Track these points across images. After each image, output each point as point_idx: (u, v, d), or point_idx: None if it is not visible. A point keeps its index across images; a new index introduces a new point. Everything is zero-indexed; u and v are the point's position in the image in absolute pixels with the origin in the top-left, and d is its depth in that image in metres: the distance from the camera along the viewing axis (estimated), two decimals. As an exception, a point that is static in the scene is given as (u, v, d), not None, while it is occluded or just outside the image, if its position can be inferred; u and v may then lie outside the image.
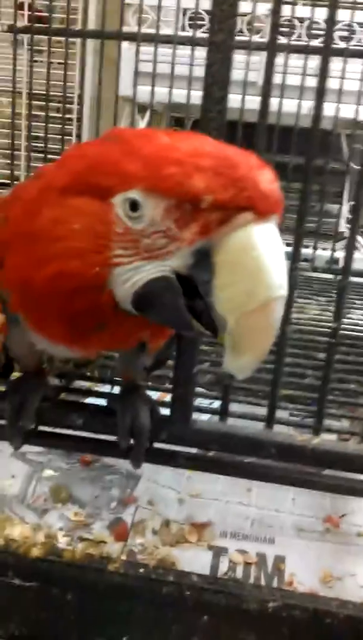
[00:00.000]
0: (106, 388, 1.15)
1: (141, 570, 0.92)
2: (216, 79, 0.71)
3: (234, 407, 0.96)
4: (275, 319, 0.60)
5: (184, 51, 1.91)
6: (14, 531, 1.18)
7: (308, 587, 1.08)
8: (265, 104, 0.78)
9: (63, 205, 0.64)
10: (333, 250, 2.16)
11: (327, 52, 0.79)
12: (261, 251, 0.57)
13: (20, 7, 2.13)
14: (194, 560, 1.18)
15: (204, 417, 1.04)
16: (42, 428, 0.90)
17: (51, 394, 0.92)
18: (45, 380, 0.95)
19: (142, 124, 2.21)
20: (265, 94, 0.78)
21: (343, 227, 2.50)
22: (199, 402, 1.06)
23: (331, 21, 0.85)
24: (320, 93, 0.77)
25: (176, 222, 0.59)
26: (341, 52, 1.75)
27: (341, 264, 2.14)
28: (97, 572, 0.92)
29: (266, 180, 0.59)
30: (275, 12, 0.75)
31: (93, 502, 1.34)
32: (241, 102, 1.85)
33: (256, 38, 1.98)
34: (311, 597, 0.89)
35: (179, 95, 1.93)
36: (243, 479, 1.36)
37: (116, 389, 1.07)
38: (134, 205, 0.60)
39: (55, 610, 0.94)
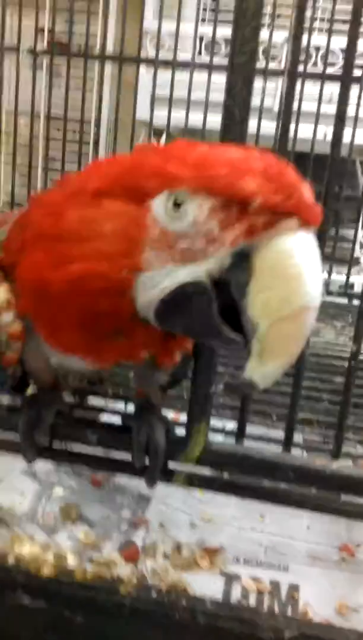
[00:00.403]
0: (119, 406, 1.15)
1: (154, 594, 0.90)
2: (237, 101, 0.72)
3: (249, 429, 0.95)
4: (307, 328, 0.60)
5: (200, 76, 1.94)
6: (24, 549, 1.17)
7: (323, 617, 1.05)
8: (285, 129, 0.79)
9: (95, 208, 0.64)
10: (348, 275, 2.16)
11: (347, 80, 0.80)
12: (302, 259, 0.58)
13: (40, 31, 2.17)
14: (206, 585, 1.15)
15: (218, 437, 1.03)
16: (56, 444, 0.90)
17: (65, 410, 0.92)
18: (60, 395, 0.95)
19: (158, 147, 2.23)
20: (285, 119, 0.79)
21: (358, 252, 2.50)
22: (213, 423, 1.05)
23: (351, 49, 0.85)
24: (340, 119, 0.78)
25: (220, 222, 0.59)
26: (358, 80, 1.77)
27: (356, 289, 2.14)
28: (108, 594, 0.90)
29: (309, 191, 0.61)
30: (296, 38, 0.76)
31: (103, 523, 1.32)
32: (256, 128, 1.88)
33: (272, 65, 2.02)
34: (328, 628, 0.87)
35: (195, 120, 1.96)
36: (256, 505, 1.35)
37: (131, 407, 1.07)
38: (177, 205, 0.61)
39: (64, 631, 0.92)
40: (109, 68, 2.11)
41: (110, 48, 2.09)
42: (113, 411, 1.08)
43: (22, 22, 1.97)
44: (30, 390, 0.97)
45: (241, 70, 0.70)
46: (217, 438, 0.91)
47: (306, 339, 0.62)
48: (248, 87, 0.71)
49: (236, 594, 1.15)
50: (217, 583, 1.18)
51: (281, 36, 2.07)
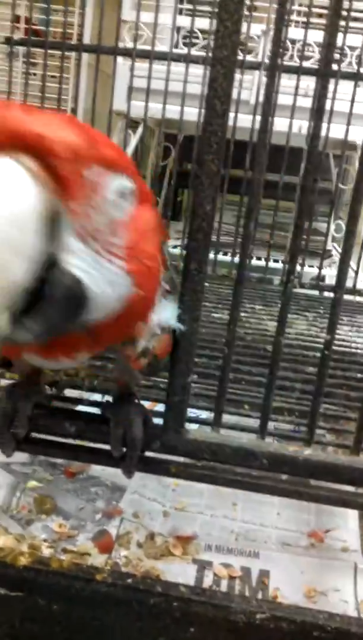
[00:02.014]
0: (97, 397, 1.15)
1: (129, 580, 0.91)
2: (219, 93, 0.73)
3: (224, 418, 0.96)
4: None
5: (178, 68, 1.94)
6: (-2, 541, 1.17)
7: (292, 601, 1.08)
8: (265, 123, 0.79)
9: None
10: (321, 267, 2.20)
11: (325, 74, 0.82)
12: None
13: (17, 20, 2.15)
14: (178, 573, 1.17)
15: (194, 426, 1.04)
16: (34, 435, 0.90)
17: (44, 402, 0.92)
18: (39, 387, 0.95)
19: (134, 138, 2.23)
20: (266, 113, 0.79)
21: (330, 245, 2.55)
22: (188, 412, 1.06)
23: (329, 45, 0.87)
24: (319, 114, 0.79)
25: None
26: (334, 74, 1.80)
27: (328, 281, 2.18)
28: (84, 582, 0.91)
29: (15, 115, 0.53)
30: (278, 32, 0.77)
31: (78, 514, 1.33)
32: (233, 120, 1.89)
33: (249, 57, 2.03)
34: (299, 610, 0.89)
35: (172, 111, 1.96)
36: (229, 493, 1.37)
37: (107, 398, 1.07)
38: None
39: (41, 620, 0.93)
40: (86, 58, 2.10)
41: (87, 38, 2.07)
42: (90, 402, 1.08)
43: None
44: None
45: (223, 63, 0.71)
46: (192, 427, 0.92)
47: None
48: (230, 80, 0.71)
49: (208, 581, 1.17)
50: (189, 571, 1.20)
51: (258, 29, 2.08)
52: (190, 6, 2.10)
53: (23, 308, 0.54)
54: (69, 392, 1.18)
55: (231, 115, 1.87)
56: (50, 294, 0.55)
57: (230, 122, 1.83)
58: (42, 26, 2.29)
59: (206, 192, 0.76)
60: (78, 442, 0.97)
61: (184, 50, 1.97)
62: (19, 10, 2.14)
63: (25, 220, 0.50)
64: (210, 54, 1.88)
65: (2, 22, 2.11)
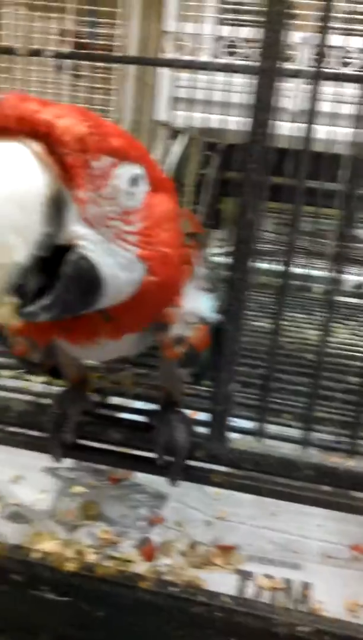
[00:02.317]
0: (140, 404, 1.16)
1: (172, 589, 0.91)
2: (262, 104, 0.73)
3: (269, 428, 0.96)
4: None
5: (220, 77, 1.95)
6: (45, 546, 1.19)
7: (334, 614, 1.06)
8: (309, 130, 0.80)
9: None
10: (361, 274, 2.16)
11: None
12: None
13: (64, 33, 2.20)
14: (220, 583, 1.17)
15: (236, 436, 1.04)
16: (81, 442, 0.92)
17: (90, 409, 0.94)
18: (85, 394, 0.97)
19: (176, 147, 2.25)
20: (309, 120, 0.80)
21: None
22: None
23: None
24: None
25: None
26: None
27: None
28: (128, 589, 0.92)
29: (28, 105, 0.55)
30: (322, 40, 0.77)
31: (121, 521, 1.34)
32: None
33: (289, 65, 2.02)
34: (342, 623, 0.88)
35: (214, 120, 1.97)
36: (270, 503, 1.36)
37: (152, 406, 1.08)
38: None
39: (85, 625, 0.94)
40: (130, 69, 2.13)
41: (132, 50, 2.10)
42: (134, 410, 1.09)
43: (46, 26, 1.99)
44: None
45: (267, 74, 0.72)
46: (234, 436, 0.92)
47: None
48: (273, 90, 0.72)
49: (249, 592, 1.17)
50: (231, 581, 1.19)
51: (297, 37, 2.07)
52: (232, 16, 2.11)
53: (36, 287, 0.57)
54: (113, 400, 1.20)
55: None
56: (63, 274, 0.58)
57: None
58: (88, 39, 2.33)
59: (250, 202, 0.76)
60: (123, 449, 0.99)
61: (226, 60, 1.98)
62: (66, 24, 2.20)
63: (27, 201, 0.53)
64: (252, 63, 1.89)
65: (50, 36, 2.16)
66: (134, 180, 0.62)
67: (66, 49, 2.11)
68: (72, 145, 0.55)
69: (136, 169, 0.63)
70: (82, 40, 2.39)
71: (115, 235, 0.62)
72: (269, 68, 0.72)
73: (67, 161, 0.55)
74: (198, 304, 0.78)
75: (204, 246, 0.89)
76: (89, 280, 0.60)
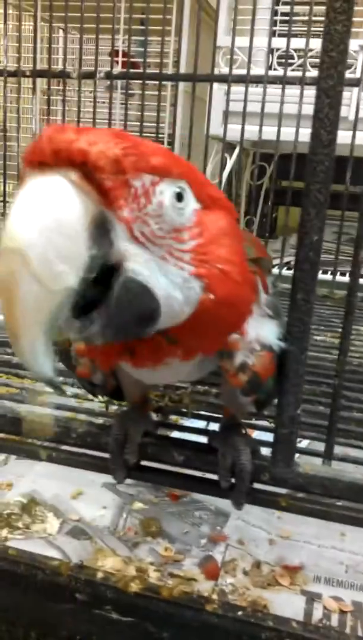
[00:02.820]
0: (201, 423, 1.16)
1: (239, 613, 0.90)
2: (325, 124, 0.72)
3: (336, 449, 0.94)
4: (9, 273, 0.54)
5: (273, 90, 1.94)
6: (107, 563, 1.20)
7: None
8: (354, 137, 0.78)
9: None
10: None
11: None
12: (26, 199, 0.55)
13: (115, 54, 2.24)
14: (286, 604, 1.14)
15: (302, 459, 1.02)
16: (143, 462, 0.92)
17: (152, 430, 0.94)
18: (147, 414, 0.98)
19: (230, 161, 2.25)
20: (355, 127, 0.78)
21: None
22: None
23: None
24: None
25: None
26: None
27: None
28: (194, 611, 0.91)
29: (64, 136, 0.57)
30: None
31: (183, 538, 1.33)
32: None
33: (347, 74, 1.99)
34: None
35: (267, 132, 1.96)
36: (337, 523, 1.33)
37: (212, 426, 1.08)
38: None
39: (152, 647, 0.94)
40: (182, 85, 2.15)
41: (183, 66, 2.12)
42: (195, 429, 1.09)
43: (98, 46, 2.03)
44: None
45: (329, 93, 0.70)
46: (300, 459, 0.90)
47: (16, 285, 0.54)
48: (336, 110, 0.71)
49: (317, 614, 1.14)
50: (298, 602, 1.16)
51: (355, 44, 2.04)
52: (285, 27, 2.09)
53: (85, 310, 0.58)
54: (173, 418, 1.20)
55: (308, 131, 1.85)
56: (111, 296, 0.59)
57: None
58: (139, 58, 2.37)
59: (313, 222, 0.75)
60: (185, 470, 0.99)
61: (280, 72, 1.97)
62: (117, 44, 2.24)
63: (69, 228, 0.54)
64: (306, 74, 1.88)
65: (101, 56, 2.20)
66: (179, 196, 0.63)
67: (118, 69, 2.15)
68: (108, 168, 0.56)
69: (179, 184, 0.63)
70: (133, 60, 2.43)
71: (168, 253, 0.62)
72: (329, 88, 0.70)
73: (104, 184, 0.57)
74: (262, 331, 0.77)
75: (269, 272, 0.87)
76: (141, 300, 0.61)
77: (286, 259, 2.17)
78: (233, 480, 0.86)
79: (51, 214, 0.54)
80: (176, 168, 0.63)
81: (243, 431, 0.91)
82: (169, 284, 0.62)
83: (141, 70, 2.05)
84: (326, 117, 0.71)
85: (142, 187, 0.59)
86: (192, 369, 0.77)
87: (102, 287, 0.59)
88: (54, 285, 0.54)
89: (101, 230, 0.57)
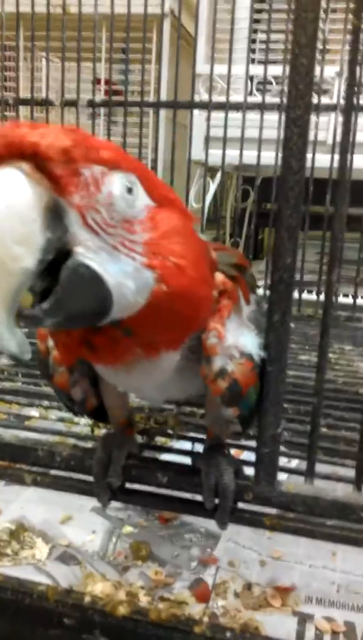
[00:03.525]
0: (186, 444, 1.16)
1: (228, 634, 0.90)
2: (294, 152, 0.75)
3: (324, 468, 0.95)
4: None
5: (252, 115, 1.99)
6: (96, 588, 1.19)
7: None
8: (343, 161, 0.81)
9: None
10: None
11: None
12: None
13: (97, 82, 2.29)
14: (278, 626, 1.14)
15: (283, 476, 1.03)
16: (128, 485, 0.93)
17: (136, 452, 0.95)
18: (132, 437, 0.98)
19: (213, 185, 2.28)
20: (343, 152, 0.81)
21: None
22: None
23: None
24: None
25: None
26: None
27: None
28: (182, 634, 0.91)
29: (17, 131, 0.61)
30: (352, 73, 0.79)
31: (173, 561, 1.33)
32: (311, 160, 1.91)
33: (324, 100, 2.04)
34: None
35: (248, 156, 2.01)
36: (328, 543, 1.33)
37: (197, 447, 1.08)
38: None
39: (141, 672, 0.93)
40: (163, 112, 2.19)
41: (164, 93, 2.17)
42: (180, 451, 1.09)
43: (80, 74, 2.08)
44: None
45: (297, 123, 0.73)
46: (282, 477, 0.90)
47: None
48: (304, 139, 0.73)
49: (310, 635, 1.13)
50: (290, 623, 1.16)
51: (332, 70, 2.10)
52: (262, 55, 2.15)
53: (39, 294, 0.62)
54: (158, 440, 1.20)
55: (309, 156, 1.90)
56: (61, 279, 0.62)
57: (308, 163, 1.84)
58: (121, 85, 2.42)
59: (286, 246, 0.77)
60: (170, 492, 1.00)
61: (258, 98, 2.02)
62: (99, 72, 2.29)
63: (23, 213, 0.58)
64: (284, 100, 1.92)
65: (84, 84, 2.25)
66: (129, 189, 0.66)
67: (100, 97, 2.19)
68: (58, 157, 0.60)
69: (129, 178, 0.66)
70: (115, 87, 2.48)
71: (120, 243, 0.65)
72: (297, 118, 0.73)
73: (55, 172, 0.60)
74: (242, 339, 0.79)
75: (252, 289, 0.89)
76: (89, 284, 0.64)
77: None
78: (217, 500, 0.87)
79: (5, 201, 0.58)
80: (125, 162, 0.66)
81: (226, 452, 0.91)
82: (120, 272, 0.65)
83: (123, 98, 2.09)
84: (295, 146, 0.74)
85: (91, 177, 0.63)
86: (171, 377, 0.79)
87: (57, 276, 0.62)
88: (11, 265, 0.58)
89: (54, 215, 0.61)
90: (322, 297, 2.15)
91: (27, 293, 0.62)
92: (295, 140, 0.72)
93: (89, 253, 0.63)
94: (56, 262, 0.62)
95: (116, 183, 0.64)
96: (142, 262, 0.66)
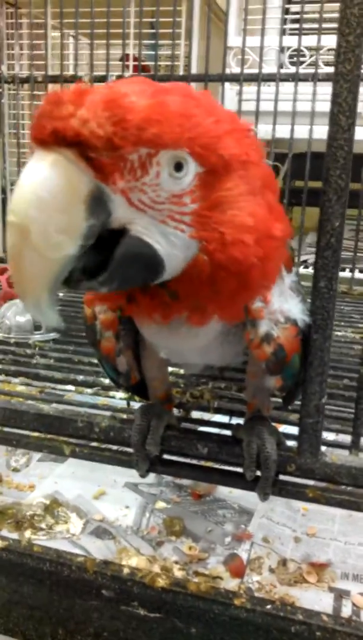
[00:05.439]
0: (223, 418, 1.15)
1: (268, 607, 0.89)
2: (343, 108, 0.72)
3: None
4: (15, 248, 0.60)
5: (285, 88, 1.94)
6: (131, 562, 1.19)
7: None
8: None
9: None
10: None
11: None
12: (26, 179, 0.59)
13: (126, 58, 2.26)
14: (314, 601, 1.13)
15: (328, 450, 1.01)
16: (166, 457, 0.92)
17: (175, 424, 0.94)
18: (169, 410, 0.97)
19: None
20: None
21: None
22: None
23: None
24: None
25: None
26: None
27: None
28: (222, 606, 0.90)
29: (60, 112, 0.59)
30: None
31: (207, 536, 1.33)
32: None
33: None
34: None
35: (281, 130, 1.96)
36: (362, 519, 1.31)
37: (235, 420, 1.07)
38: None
39: (180, 643, 0.93)
40: (194, 85, 2.15)
41: (194, 68, 2.13)
42: (217, 424, 1.08)
43: (109, 51, 2.05)
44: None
45: (347, 77, 0.70)
46: (326, 450, 0.88)
47: (18, 256, 0.60)
48: (354, 94, 0.70)
49: (346, 611, 1.12)
50: (326, 599, 1.15)
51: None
52: (296, 25, 2.10)
53: (96, 265, 0.63)
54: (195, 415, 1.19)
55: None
56: (116, 254, 0.63)
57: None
58: (150, 61, 2.38)
59: (335, 208, 0.75)
60: (208, 463, 0.99)
61: (291, 70, 1.97)
62: (128, 49, 2.26)
63: (65, 203, 0.58)
64: (319, 71, 1.88)
65: (112, 61, 2.22)
66: (178, 165, 0.63)
67: (129, 73, 2.16)
68: (101, 146, 0.59)
69: (179, 154, 0.63)
70: (144, 63, 2.44)
71: (168, 217, 0.64)
72: (347, 72, 0.70)
73: (98, 160, 0.59)
74: (287, 304, 0.77)
75: (292, 257, 0.86)
76: (143, 253, 0.64)
77: (303, 257, 2.16)
78: (258, 472, 0.85)
79: (48, 190, 0.58)
80: (174, 136, 0.62)
81: (268, 422, 0.90)
82: (169, 244, 0.65)
83: (152, 73, 2.06)
84: (344, 101, 0.71)
85: (138, 160, 0.61)
86: (214, 340, 0.78)
87: (109, 252, 0.64)
88: (52, 254, 0.59)
89: (97, 201, 0.60)
90: (357, 274, 2.13)
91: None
92: (344, 95, 0.70)
93: (139, 228, 0.64)
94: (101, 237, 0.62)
95: (163, 163, 0.62)
96: (189, 233, 0.65)
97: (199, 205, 0.65)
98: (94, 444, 1.00)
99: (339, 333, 1.56)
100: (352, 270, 2.08)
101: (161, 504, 1.44)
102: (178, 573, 1.19)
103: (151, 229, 0.64)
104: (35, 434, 0.99)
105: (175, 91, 0.64)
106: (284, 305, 0.77)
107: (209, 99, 0.70)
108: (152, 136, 0.60)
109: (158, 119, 0.60)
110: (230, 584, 1.17)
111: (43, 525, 1.35)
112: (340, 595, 1.17)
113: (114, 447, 0.99)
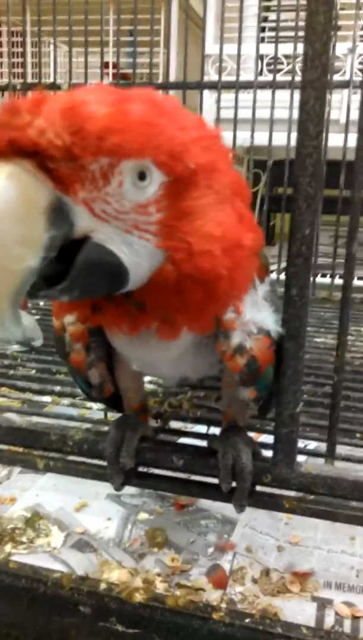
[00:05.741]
0: (201, 428, 1.14)
1: (247, 620, 0.88)
2: (311, 116, 0.71)
3: (341, 450, 0.92)
4: None
5: (263, 95, 1.95)
6: (112, 575, 1.17)
7: None
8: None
9: None
10: None
11: None
12: None
13: (105, 65, 2.25)
14: (297, 611, 1.12)
15: (300, 458, 1.00)
16: (141, 469, 0.90)
17: (150, 435, 0.92)
18: (145, 421, 0.96)
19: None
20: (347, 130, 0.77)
21: None
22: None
23: None
24: None
25: None
26: None
27: None
28: (201, 620, 0.89)
29: (17, 121, 0.58)
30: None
31: (189, 547, 1.31)
32: (324, 140, 1.86)
33: (337, 77, 1.99)
34: None
35: (260, 138, 1.97)
36: (346, 527, 1.30)
37: (212, 430, 1.06)
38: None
39: (158, 659, 0.91)
40: (172, 93, 2.15)
41: (173, 75, 2.13)
42: (196, 434, 1.07)
43: (88, 59, 2.04)
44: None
45: (314, 85, 0.70)
46: (301, 459, 0.88)
47: None
48: (322, 101, 0.70)
49: (329, 620, 1.11)
50: (309, 609, 1.14)
51: (344, 47, 2.05)
52: (272, 33, 2.11)
53: (57, 274, 0.62)
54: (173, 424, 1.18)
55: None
56: (77, 262, 0.62)
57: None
58: (129, 69, 2.38)
59: (304, 216, 0.74)
60: (186, 475, 0.97)
61: (269, 77, 1.97)
62: (106, 57, 2.25)
63: (25, 214, 0.57)
64: (296, 78, 1.88)
65: (91, 69, 2.21)
66: (141, 175, 0.62)
67: (108, 81, 2.16)
68: (60, 156, 0.57)
69: (142, 164, 0.61)
70: (123, 71, 2.44)
71: (132, 226, 0.63)
72: (314, 80, 0.69)
73: (58, 171, 0.58)
74: (259, 315, 0.76)
75: (266, 270, 0.85)
76: (108, 266, 0.63)
77: (283, 264, 2.15)
78: (234, 483, 0.84)
79: (5, 202, 0.57)
80: (136, 146, 0.60)
81: (243, 433, 0.89)
82: (133, 253, 0.64)
83: (131, 81, 2.06)
84: (312, 109, 0.70)
85: (99, 170, 0.60)
86: (186, 352, 0.77)
87: (71, 261, 0.62)
88: (13, 266, 0.57)
89: (58, 212, 0.59)
90: (337, 280, 2.13)
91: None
92: (312, 103, 0.69)
93: (102, 237, 0.62)
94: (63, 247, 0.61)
95: (126, 173, 0.61)
96: (156, 242, 0.64)
97: (165, 214, 0.63)
98: (72, 457, 0.98)
99: (319, 340, 1.56)
100: (332, 276, 2.08)
101: (143, 516, 1.42)
102: (160, 585, 1.17)
103: (114, 238, 0.63)
104: (8, 447, 0.98)
105: (137, 98, 0.62)
106: (257, 315, 0.76)
107: (175, 104, 0.68)
108: (112, 146, 0.58)
109: (118, 128, 0.58)
110: (213, 595, 1.15)
111: (24, 539, 1.32)
112: (323, 604, 1.15)
113: (89, 460, 0.98)
